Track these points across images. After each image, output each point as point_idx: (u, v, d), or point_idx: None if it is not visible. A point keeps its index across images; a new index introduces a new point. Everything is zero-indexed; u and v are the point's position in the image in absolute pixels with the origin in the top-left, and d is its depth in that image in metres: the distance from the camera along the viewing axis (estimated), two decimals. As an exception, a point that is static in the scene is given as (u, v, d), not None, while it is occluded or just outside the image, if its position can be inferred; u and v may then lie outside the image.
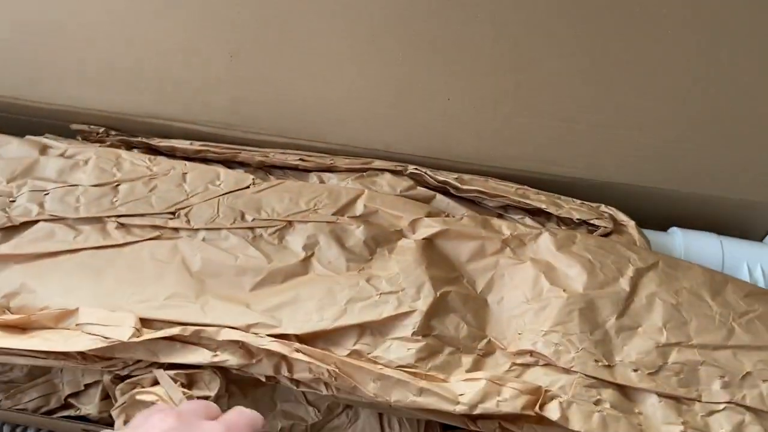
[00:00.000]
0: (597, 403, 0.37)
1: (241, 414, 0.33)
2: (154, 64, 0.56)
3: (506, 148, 0.55)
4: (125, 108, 0.57)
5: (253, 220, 0.47)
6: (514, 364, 0.40)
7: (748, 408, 0.38)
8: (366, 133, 0.56)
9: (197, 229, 0.46)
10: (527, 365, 0.40)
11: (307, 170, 0.55)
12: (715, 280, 0.45)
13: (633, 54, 0.51)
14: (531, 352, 0.40)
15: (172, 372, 0.41)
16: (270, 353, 0.40)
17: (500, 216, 0.53)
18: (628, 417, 0.37)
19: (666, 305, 0.42)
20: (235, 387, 0.43)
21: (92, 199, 0.48)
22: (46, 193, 0.48)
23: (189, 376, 0.41)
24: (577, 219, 0.50)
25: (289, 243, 0.46)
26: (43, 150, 0.52)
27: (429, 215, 0.49)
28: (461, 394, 0.38)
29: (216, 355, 0.40)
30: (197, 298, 0.42)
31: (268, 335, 0.40)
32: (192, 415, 0.32)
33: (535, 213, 0.52)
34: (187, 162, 0.52)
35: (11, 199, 0.48)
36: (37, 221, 0.46)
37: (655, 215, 0.56)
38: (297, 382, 0.40)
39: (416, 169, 0.55)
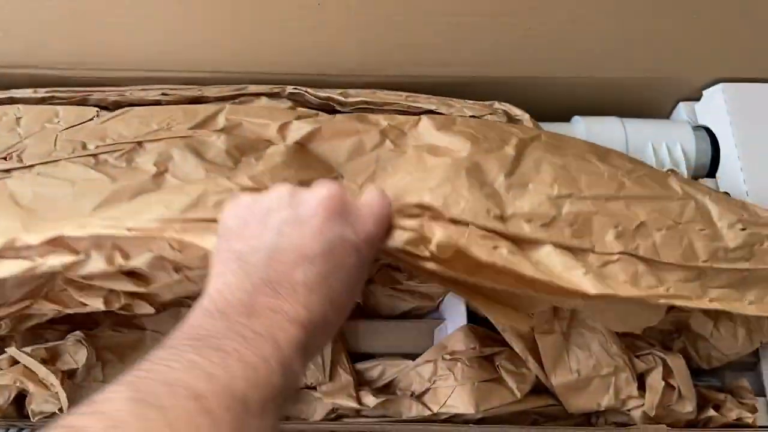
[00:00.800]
0: (494, 249, 0.34)
1: (380, 200, 0.32)
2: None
3: (391, 53, 0.51)
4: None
5: (96, 147, 0.41)
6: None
7: (641, 258, 0.36)
8: (234, 55, 0.50)
9: (31, 166, 0.40)
10: (415, 216, 0.36)
11: (172, 104, 0.49)
12: (599, 149, 0.42)
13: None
14: (419, 205, 0.36)
15: (28, 348, 0.36)
16: (97, 243, 0.34)
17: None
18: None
19: (554, 165, 0.39)
20: (110, 353, 0.39)
21: None
22: None
23: (50, 350, 0.37)
24: (470, 117, 0.46)
25: (139, 164, 0.40)
26: None
27: (299, 118, 0.44)
28: None
29: (33, 262, 0.34)
30: (26, 227, 0.36)
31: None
32: (344, 192, 0.30)
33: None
34: (21, 106, 0.45)
35: None
36: None
37: (557, 106, 0.53)
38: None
39: (295, 88, 0.49)
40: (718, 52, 0.51)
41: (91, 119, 0.43)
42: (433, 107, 0.47)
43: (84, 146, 0.41)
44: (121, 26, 0.49)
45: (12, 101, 0.48)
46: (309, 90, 0.49)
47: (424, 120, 0.43)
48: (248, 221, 0.30)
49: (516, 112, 0.47)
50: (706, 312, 0.43)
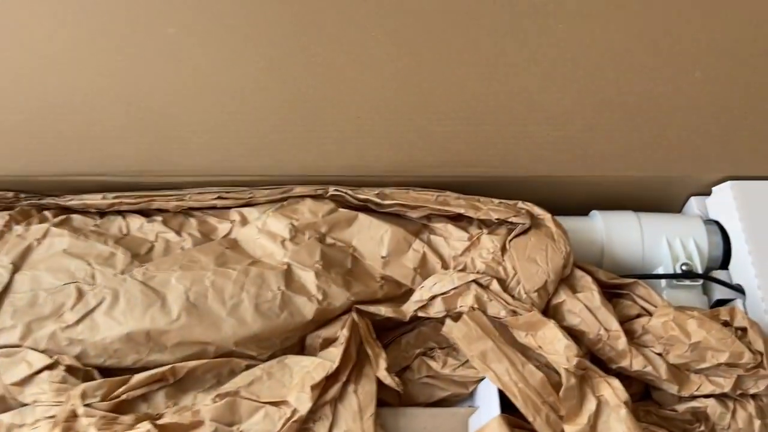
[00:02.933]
0: None
1: None
2: (51, 121, 0.54)
3: (423, 156, 0.56)
4: (31, 169, 0.55)
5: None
6: None
7: None
8: (282, 160, 0.56)
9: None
10: None
11: (227, 208, 0.54)
12: None
13: (529, 52, 0.52)
14: None
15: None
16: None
17: (425, 226, 0.54)
18: None
19: None
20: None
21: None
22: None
23: None
24: (496, 219, 0.50)
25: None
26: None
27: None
28: None
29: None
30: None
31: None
32: None
33: (457, 218, 0.53)
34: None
35: None
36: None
37: (576, 201, 0.57)
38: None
39: (337, 190, 0.55)
40: (726, 151, 0.56)
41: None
42: (461, 210, 0.51)
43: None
44: (180, 137, 0.55)
45: (84, 206, 0.54)
46: (348, 191, 0.54)
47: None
48: None
49: (538, 211, 0.51)
50: (723, 403, 0.45)
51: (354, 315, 0.49)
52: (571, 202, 0.57)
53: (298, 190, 0.55)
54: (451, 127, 0.55)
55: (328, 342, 0.49)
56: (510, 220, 0.50)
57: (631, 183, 0.57)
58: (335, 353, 0.46)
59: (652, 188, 0.58)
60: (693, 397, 0.46)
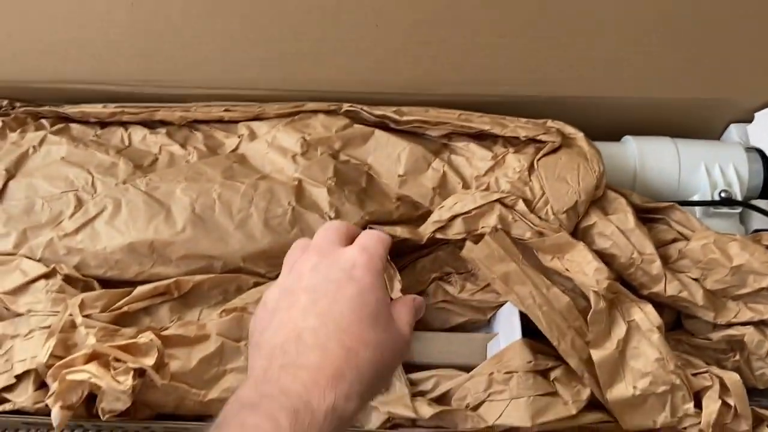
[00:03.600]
0: None
1: (371, 235, 0.34)
2: (47, 23, 0.50)
3: (445, 72, 0.52)
4: (27, 76, 0.52)
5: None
6: None
7: None
8: (294, 73, 0.52)
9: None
10: None
11: (234, 121, 0.51)
12: None
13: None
14: None
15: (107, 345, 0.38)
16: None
17: (445, 146, 0.50)
18: None
19: None
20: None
21: None
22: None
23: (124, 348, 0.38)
24: (524, 137, 0.47)
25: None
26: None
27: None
28: None
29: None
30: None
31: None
32: (330, 245, 0.33)
33: (480, 137, 0.49)
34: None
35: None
36: None
37: (608, 125, 0.53)
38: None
39: (352, 106, 0.51)
40: (769, 74, 0.52)
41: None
42: (486, 127, 0.48)
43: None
44: (186, 45, 0.51)
45: (83, 115, 0.51)
46: (365, 108, 0.51)
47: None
48: (258, 319, 0.33)
49: (569, 130, 0.48)
50: (761, 331, 0.43)
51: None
52: (603, 127, 0.53)
53: (311, 105, 0.52)
54: (475, 39, 0.51)
55: (341, 261, 0.46)
56: (539, 138, 0.47)
57: (668, 106, 0.53)
58: None
59: (691, 113, 0.54)
60: (729, 325, 0.43)
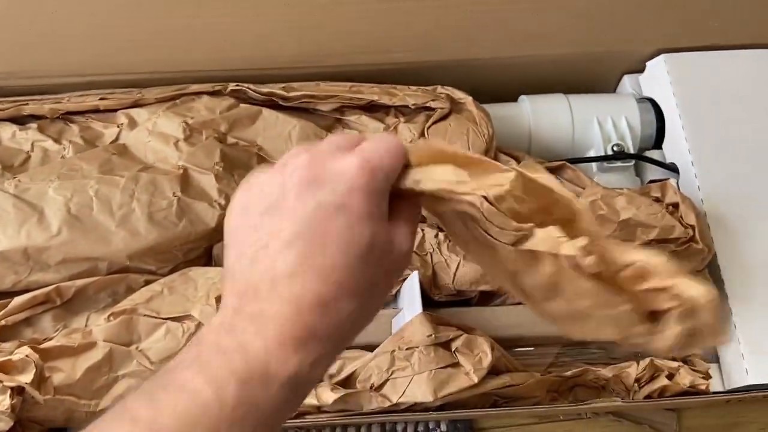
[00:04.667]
0: None
1: (380, 140, 0.27)
2: None
3: (332, 43, 0.50)
4: None
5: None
6: None
7: None
8: (171, 54, 0.49)
9: None
10: None
11: (112, 110, 0.48)
12: None
13: None
14: None
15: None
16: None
17: (338, 120, 0.49)
18: None
19: None
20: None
21: None
22: None
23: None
24: (413, 105, 0.46)
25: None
26: None
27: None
28: None
29: None
30: None
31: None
32: (326, 152, 0.27)
33: (372, 109, 0.48)
34: None
35: None
36: None
37: (504, 87, 0.53)
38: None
39: (237, 85, 0.49)
40: (659, 22, 0.52)
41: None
42: (375, 97, 0.46)
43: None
44: (52, 32, 0.47)
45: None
46: (251, 86, 0.49)
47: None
48: (238, 225, 0.27)
49: (459, 95, 0.47)
50: None
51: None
52: (500, 88, 0.52)
53: (194, 87, 0.49)
54: (360, 6, 0.48)
55: (236, 251, 0.44)
56: (428, 105, 0.46)
57: (562, 62, 0.53)
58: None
59: (585, 68, 0.53)
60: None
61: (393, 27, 0.50)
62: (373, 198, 0.26)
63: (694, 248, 0.42)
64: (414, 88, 0.47)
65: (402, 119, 0.47)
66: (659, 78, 0.51)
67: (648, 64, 0.53)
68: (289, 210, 0.26)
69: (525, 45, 0.52)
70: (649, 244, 0.42)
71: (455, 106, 0.46)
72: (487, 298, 0.45)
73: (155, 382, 0.23)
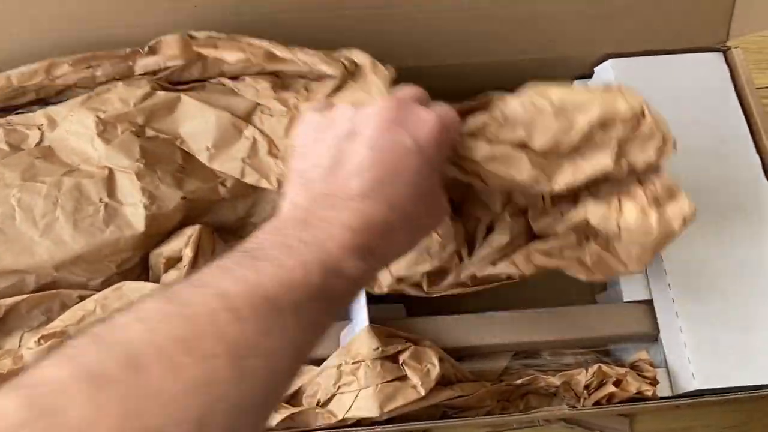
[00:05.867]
0: None
1: (450, 109, 0.33)
2: None
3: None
4: None
5: None
6: None
7: None
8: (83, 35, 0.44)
9: None
10: None
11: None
12: None
13: None
14: None
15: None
16: None
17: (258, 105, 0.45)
18: None
19: None
20: None
21: None
22: None
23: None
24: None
25: None
26: None
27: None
28: None
29: None
30: None
31: None
32: (408, 101, 0.32)
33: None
34: None
35: None
36: None
37: (454, 94, 0.51)
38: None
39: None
40: (607, 29, 0.51)
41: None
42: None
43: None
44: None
45: None
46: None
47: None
48: (312, 140, 0.31)
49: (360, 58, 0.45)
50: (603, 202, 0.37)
51: (198, 230, 0.42)
52: (450, 96, 0.51)
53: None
54: (306, 14, 0.47)
55: (172, 262, 0.42)
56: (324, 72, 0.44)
57: (510, 68, 0.52)
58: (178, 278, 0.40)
59: (536, 73, 0.52)
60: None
61: (335, 34, 0.47)
62: (442, 152, 0.31)
63: (646, 130, 0.34)
64: (312, 51, 0.44)
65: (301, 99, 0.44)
66: (607, 82, 0.51)
67: (596, 69, 0.53)
68: (369, 139, 0.29)
69: (471, 51, 0.51)
70: (591, 136, 0.35)
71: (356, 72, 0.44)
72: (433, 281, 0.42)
73: (232, 259, 0.25)
